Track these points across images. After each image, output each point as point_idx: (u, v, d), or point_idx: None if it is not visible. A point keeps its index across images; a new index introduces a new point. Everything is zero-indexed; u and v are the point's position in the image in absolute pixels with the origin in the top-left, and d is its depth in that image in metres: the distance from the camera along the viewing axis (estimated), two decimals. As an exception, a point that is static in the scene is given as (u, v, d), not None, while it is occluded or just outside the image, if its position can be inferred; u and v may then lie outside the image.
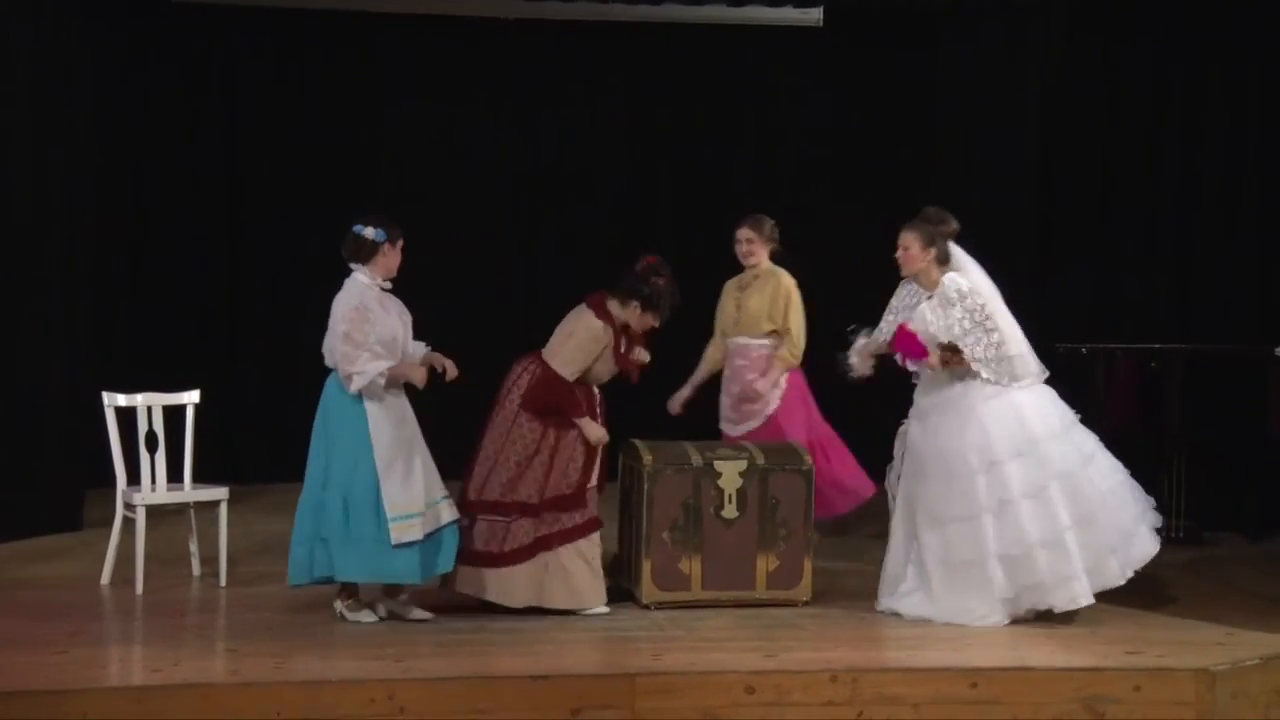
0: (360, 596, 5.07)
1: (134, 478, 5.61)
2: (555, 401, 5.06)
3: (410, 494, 4.92)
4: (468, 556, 5.05)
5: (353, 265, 5.04)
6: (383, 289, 5.06)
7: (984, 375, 5.09)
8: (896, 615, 5.20)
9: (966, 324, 5.10)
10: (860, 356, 5.29)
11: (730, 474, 5.34)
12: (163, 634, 4.90)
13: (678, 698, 4.39)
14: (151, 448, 5.59)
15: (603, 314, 5.13)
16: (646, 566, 5.25)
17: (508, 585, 5.04)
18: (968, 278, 5.19)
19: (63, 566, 6.00)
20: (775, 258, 6.07)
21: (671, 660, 4.61)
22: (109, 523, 5.64)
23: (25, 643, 4.72)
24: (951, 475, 5.09)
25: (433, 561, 5.00)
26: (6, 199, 6.52)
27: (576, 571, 5.10)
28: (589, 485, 5.16)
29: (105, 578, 5.58)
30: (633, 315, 5.16)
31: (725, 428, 6.11)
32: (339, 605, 5.05)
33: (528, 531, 5.04)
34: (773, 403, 5.95)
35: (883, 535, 6.60)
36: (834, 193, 8.18)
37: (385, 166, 8.36)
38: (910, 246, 5.21)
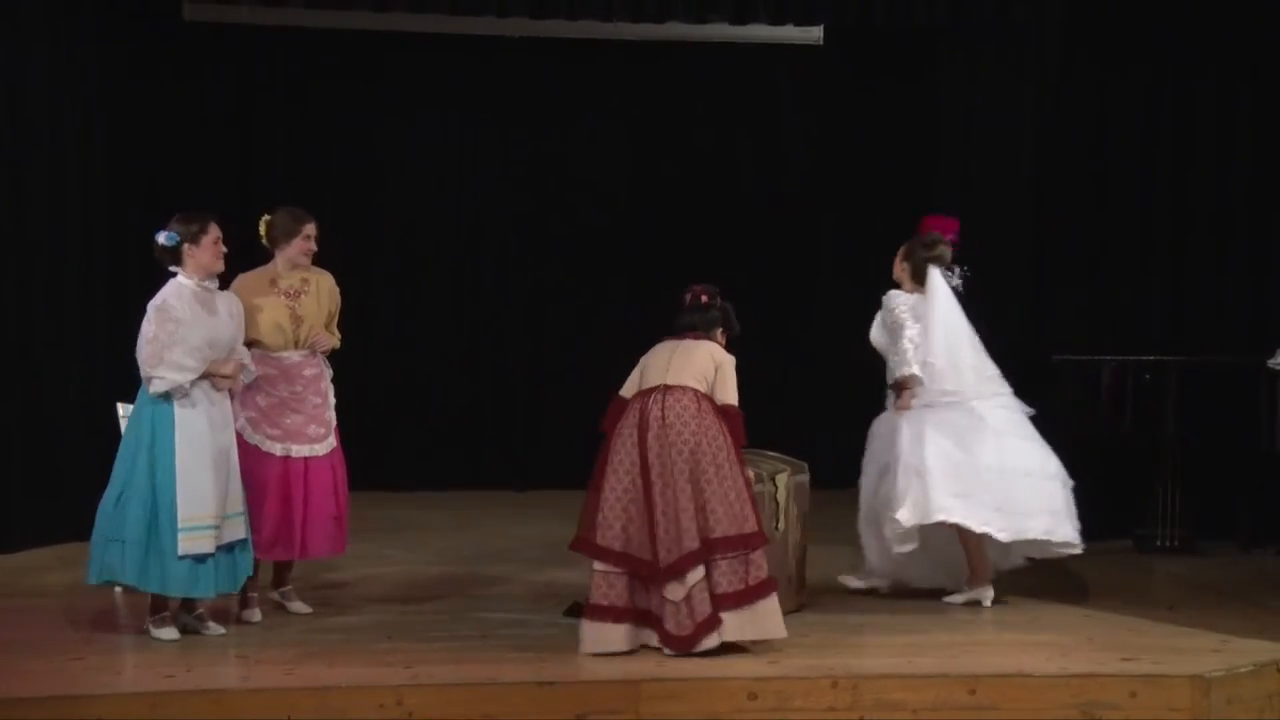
0: (167, 613, 4.94)
1: (147, 488, 5.69)
2: (743, 433, 4.87)
3: (205, 505, 4.81)
4: (721, 602, 4.66)
5: (171, 269, 4.97)
6: (204, 287, 4.95)
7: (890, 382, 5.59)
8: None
9: (886, 335, 5.65)
10: None
11: (782, 486, 5.32)
12: (176, 640, 4.95)
13: (681, 703, 4.45)
14: (164, 457, 5.67)
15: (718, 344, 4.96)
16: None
17: (773, 617, 4.75)
18: (924, 301, 5.56)
19: (78, 574, 6.02)
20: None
21: (675, 666, 4.67)
22: (123, 532, 5.73)
23: (41, 649, 4.80)
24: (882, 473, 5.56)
25: (229, 577, 4.92)
26: (24, 214, 6.62)
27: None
28: None
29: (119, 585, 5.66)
30: (721, 341, 5.04)
31: None
32: (147, 621, 4.94)
33: (764, 560, 4.76)
34: None
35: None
36: (833, 208, 8.27)
37: (392, 182, 8.46)
38: (897, 256, 5.73)
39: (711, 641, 4.67)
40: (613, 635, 4.73)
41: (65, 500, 6.71)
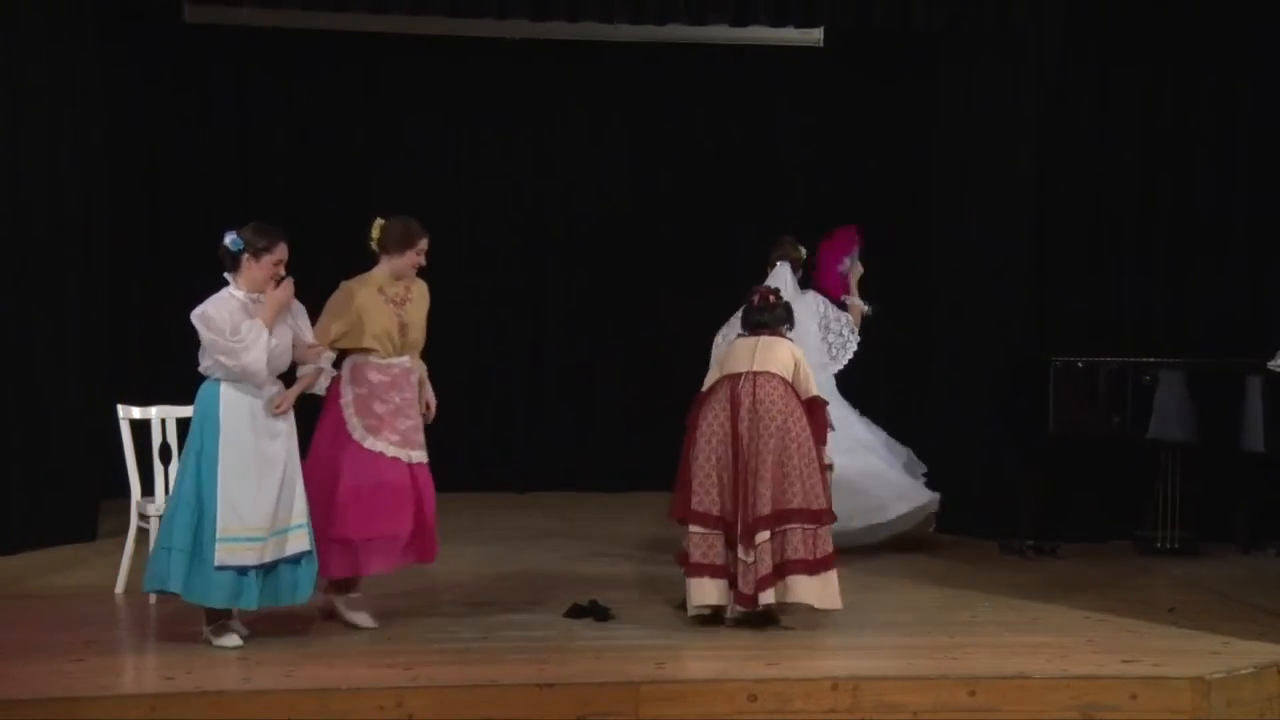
0: (225, 620, 4.89)
1: (148, 489, 5.69)
2: (825, 422, 5.50)
3: (246, 516, 4.73)
4: (793, 567, 5.12)
5: (225, 276, 4.89)
6: (253, 300, 4.86)
7: None
8: None
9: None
10: None
11: None
12: (176, 642, 4.97)
13: (681, 705, 4.46)
14: (165, 459, 5.66)
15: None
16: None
17: (833, 590, 5.19)
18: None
19: (78, 576, 6.08)
20: None
21: (675, 668, 4.69)
22: (123, 533, 5.72)
23: (41, 651, 4.80)
24: None
25: (273, 591, 4.84)
26: (23, 215, 6.62)
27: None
28: None
29: (119, 587, 5.66)
30: (789, 337, 5.52)
31: None
32: (205, 630, 4.87)
33: (830, 537, 5.24)
34: None
35: (881, 546, 6.73)
36: (833, 209, 8.26)
37: (391, 183, 8.45)
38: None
39: (769, 598, 5.13)
40: (710, 589, 5.20)
41: (65, 501, 6.72)
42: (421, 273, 5.37)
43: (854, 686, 4.53)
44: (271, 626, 5.05)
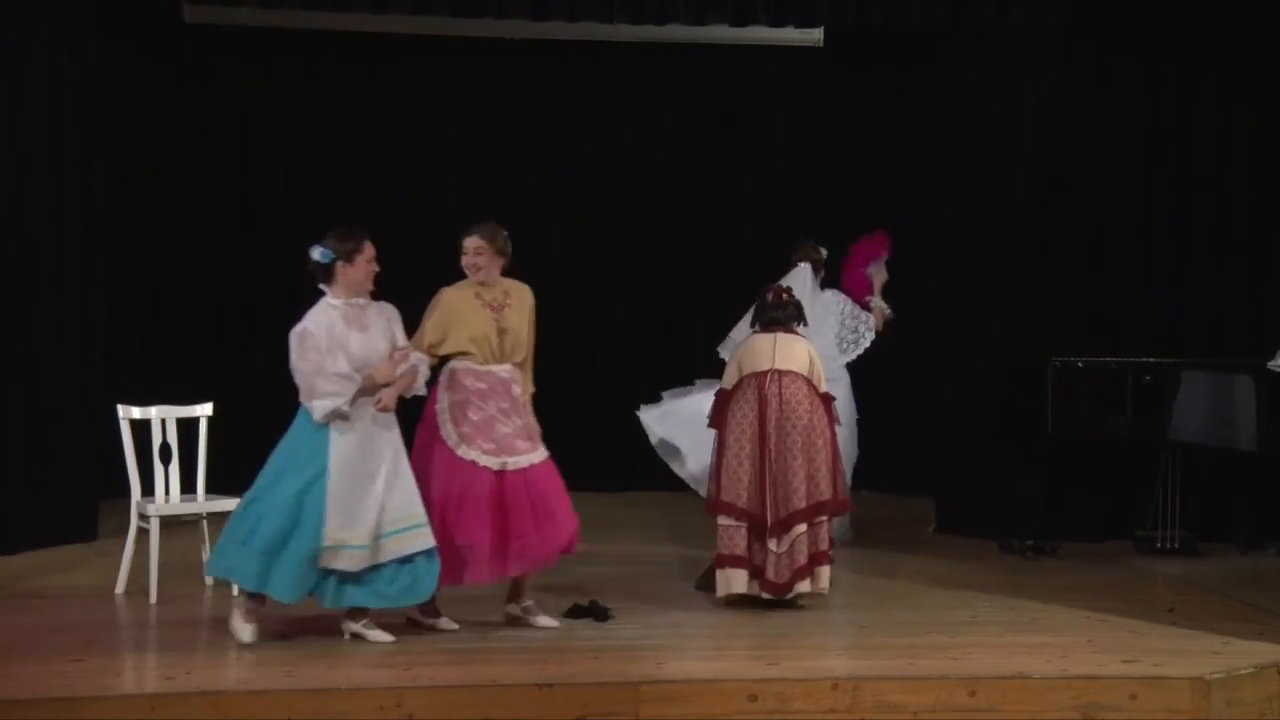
0: (255, 607, 4.91)
1: (148, 489, 5.70)
2: (834, 412, 5.69)
3: (353, 527, 4.76)
4: (823, 559, 5.47)
5: (320, 287, 4.94)
6: (353, 305, 4.92)
7: None
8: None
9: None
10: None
11: None
12: (176, 642, 4.98)
13: (681, 705, 4.46)
14: (165, 460, 5.68)
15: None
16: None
17: (829, 575, 5.55)
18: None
19: (78, 576, 6.08)
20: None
21: (675, 668, 4.68)
22: (123, 533, 5.73)
23: (41, 651, 4.80)
24: None
25: (381, 592, 4.85)
26: (24, 215, 6.62)
27: None
28: None
29: (120, 587, 5.67)
30: (802, 334, 5.73)
31: None
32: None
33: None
34: None
35: (881, 545, 6.74)
36: (833, 210, 8.28)
37: (391, 183, 8.46)
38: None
39: (804, 587, 5.44)
40: (736, 579, 5.45)
41: (65, 501, 6.73)
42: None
43: (854, 686, 4.53)
44: (280, 626, 5.05)
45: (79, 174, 6.87)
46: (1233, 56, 7.04)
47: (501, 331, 5.17)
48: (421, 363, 5.06)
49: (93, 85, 6.96)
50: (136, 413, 5.72)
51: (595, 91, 8.58)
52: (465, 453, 5.05)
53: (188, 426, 5.77)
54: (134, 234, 8.06)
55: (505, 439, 5.10)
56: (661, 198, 8.65)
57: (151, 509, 5.57)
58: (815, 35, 8.10)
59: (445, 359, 5.16)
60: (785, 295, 5.71)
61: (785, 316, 5.65)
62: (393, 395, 4.91)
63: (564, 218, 8.68)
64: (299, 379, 4.82)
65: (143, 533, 5.60)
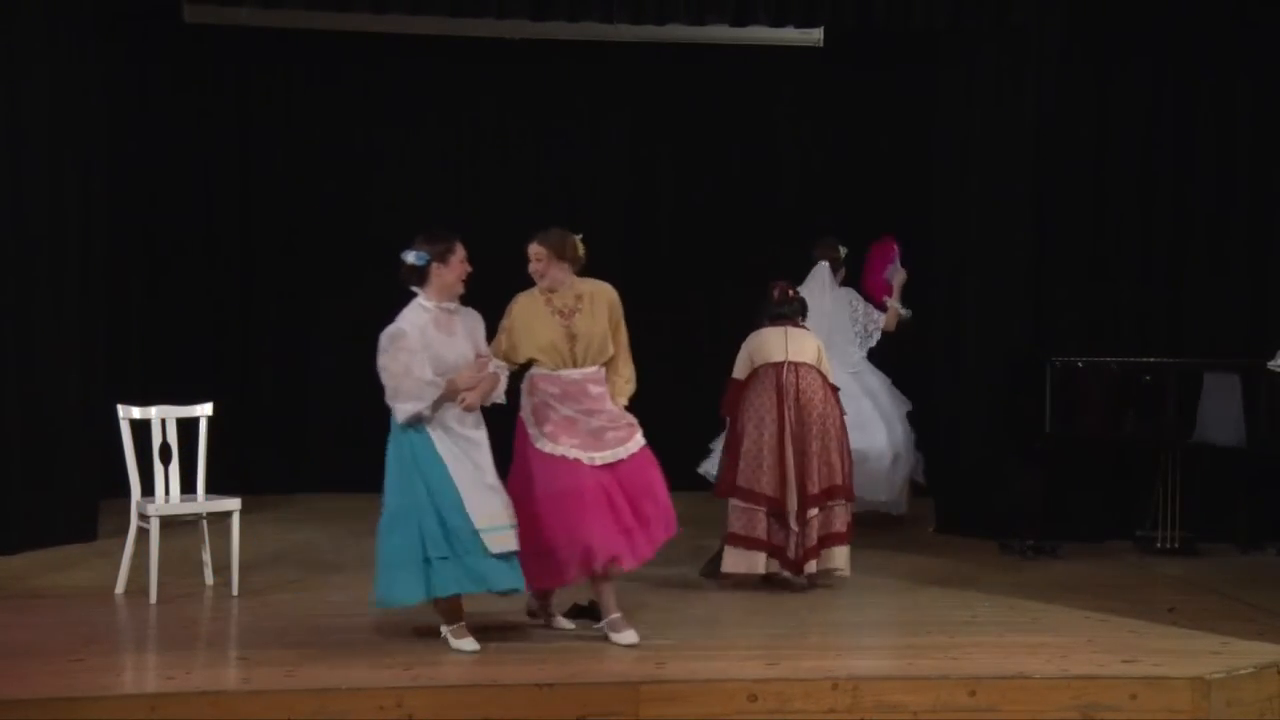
0: (464, 623, 4.90)
1: (148, 489, 5.70)
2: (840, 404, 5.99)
3: (489, 507, 4.79)
4: (837, 539, 5.79)
5: (413, 290, 4.92)
6: (444, 309, 4.91)
7: None
8: None
9: None
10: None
11: None
12: (176, 642, 4.98)
13: (681, 705, 4.47)
14: (165, 459, 5.68)
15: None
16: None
17: (846, 556, 5.84)
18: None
19: (78, 576, 6.08)
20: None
21: (675, 668, 4.69)
22: (123, 533, 5.73)
23: (42, 651, 4.80)
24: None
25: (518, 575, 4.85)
26: (23, 215, 6.62)
27: None
28: None
29: (120, 587, 5.67)
30: (807, 328, 6.05)
31: None
32: (445, 631, 4.91)
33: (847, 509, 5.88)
34: None
35: (881, 546, 6.74)
36: (832, 210, 8.28)
37: (391, 183, 8.46)
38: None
39: (812, 568, 5.75)
40: (742, 559, 5.73)
41: (65, 501, 6.72)
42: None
43: (854, 686, 4.54)
44: (281, 626, 5.05)
45: (79, 174, 6.87)
46: (1233, 56, 7.05)
47: (571, 337, 5.11)
48: (501, 369, 5.06)
49: (92, 85, 6.96)
50: (136, 413, 5.72)
51: (595, 91, 8.58)
52: (553, 448, 5.03)
53: (188, 426, 5.77)
54: (134, 234, 8.06)
55: (589, 435, 5.06)
56: (661, 197, 8.65)
57: (151, 509, 5.57)
58: (815, 35, 8.10)
59: (526, 365, 5.16)
60: (791, 292, 5.99)
61: (791, 311, 5.95)
62: (476, 396, 4.91)
63: (563, 218, 8.65)
64: (386, 378, 4.80)
65: (143, 533, 5.60)
